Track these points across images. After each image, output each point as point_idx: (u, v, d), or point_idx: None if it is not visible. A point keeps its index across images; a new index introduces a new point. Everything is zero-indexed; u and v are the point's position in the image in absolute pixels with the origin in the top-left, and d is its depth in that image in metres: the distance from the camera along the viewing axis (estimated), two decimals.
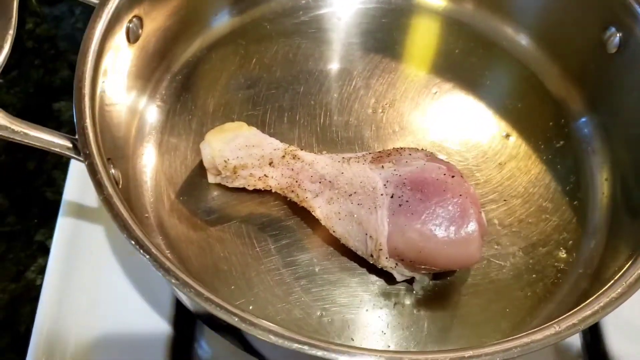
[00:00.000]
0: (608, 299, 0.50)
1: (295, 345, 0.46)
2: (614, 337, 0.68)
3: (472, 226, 0.59)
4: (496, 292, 0.65)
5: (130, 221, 0.52)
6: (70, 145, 0.57)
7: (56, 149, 0.57)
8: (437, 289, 0.65)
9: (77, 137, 0.56)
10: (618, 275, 0.52)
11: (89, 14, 0.63)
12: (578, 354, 0.68)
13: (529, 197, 0.71)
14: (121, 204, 0.53)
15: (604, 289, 0.51)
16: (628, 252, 0.58)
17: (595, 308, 0.49)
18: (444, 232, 0.59)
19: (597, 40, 0.72)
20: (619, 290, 0.50)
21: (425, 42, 0.83)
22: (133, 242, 0.50)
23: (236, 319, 0.47)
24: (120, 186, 0.61)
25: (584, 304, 0.50)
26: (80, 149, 0.55)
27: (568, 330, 0.48)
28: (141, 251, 0.50)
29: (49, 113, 0.85)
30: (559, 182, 0.72)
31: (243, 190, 0.68)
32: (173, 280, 0.49)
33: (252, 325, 0.47)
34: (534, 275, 0.66)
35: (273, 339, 0.47)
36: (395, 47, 0.82)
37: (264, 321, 0.47)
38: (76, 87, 0.58)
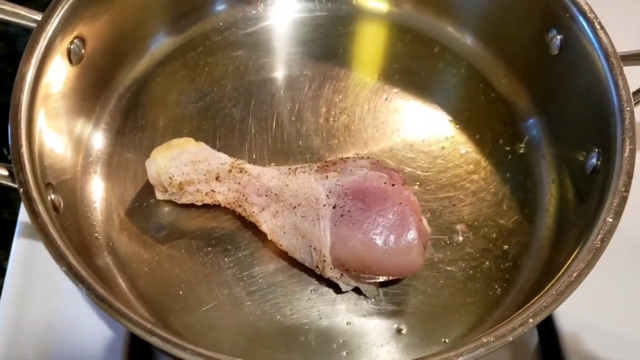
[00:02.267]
0: (537, 309, 0.50)
1: None
2: (569, 334, 0.68)
3: (411, 234, 0.59)
4: (446, 298, 0.65)
5: (63, 248, 0.52)
6: (6, 173, 0.57)
7: None
8: (387, 298, 0.65)
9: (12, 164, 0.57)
10: (549, 285, 0.53)
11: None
12: (534, 352, 0.69)
13: (478, 201, 0.71)
14: (56, 232, 0.53)
15: (534, 299, 0.52)
16: (568, 251, 0.58)
17: (524, 318, 0.50)
18: (384, 241, 0.59)
19: (540, 41, 0.72)
20: (548, 300, 0.51)
21: (372, 47, 0.83)
22: (64, 269, 0.51)
23: (169, 346, 0.48)
24: (60, 211, 0.61)
25: (513, 315, 0.50)
26: (15, 177, 0.55)
27: (498, 340, 0.49)
28: (73, 278, 0.50)
29: (5, 133, 0.84)
30: (507, 184, 0.72)
31: (193, 205, 0.68)
32: (106, 309, 0.49)
33: (183, 350, 0.47)
34: (483, 281, 0.66)
35: None
36: (343, 54, 0.82)
37: (192, 345, 0.48)
38: (12, 115, 0.58)
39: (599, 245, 0.54)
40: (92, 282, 0.50)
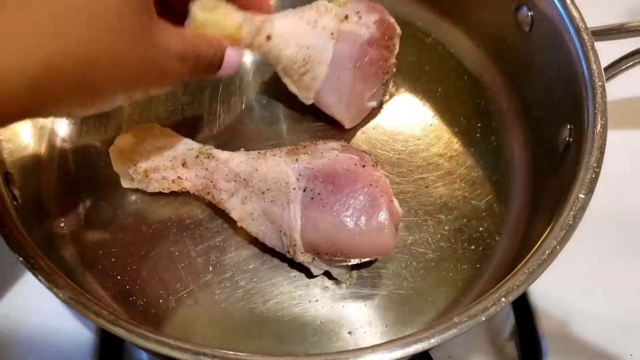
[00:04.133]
0: (509, 287, 0.50)
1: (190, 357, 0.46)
2: (544, 314, 0.68)
3: (382, 215, 0.58)
4: (420, 280, 0.65)
5: (21, 240, 0.50)
6: None
7: None
8: (360, 281, 0.64)
9: None
10: (522, 263, 0.52)
11: None
12: (510, 331, 0.69)
13: (451, 184, 0.70)
14: (14, 223, 0.52)
15: (506, 278, 0.51)
16: (540, 229, 0.57)
17: (497, 296, 0.49)
18: (355, 222, 0.58)
19: (511, 19, 0.71)
20: (521, 278, 0.50)
21: None
22: (22, 260, 0.49)
23: (121, 331, 0.47)
24: (19, 201, 0.59)
25: (485, 295, 0.50)
26: None
27: (471, 320, 0.48)
28: (34, 272, 0.49)
29: None
30: (480, 164, 0.72)
31: (162, 193, 0.67)
32: (70, 302, 0.48)
33: (145, 339, 0.46)
34: (456, 262, 0.66)
35: (168, 351, 0.46)
36: None
37: (158, 334, 0.47)
38: None
39: (571, 222, 0.53)
40: (53, 274, 0.49)
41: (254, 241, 0.65)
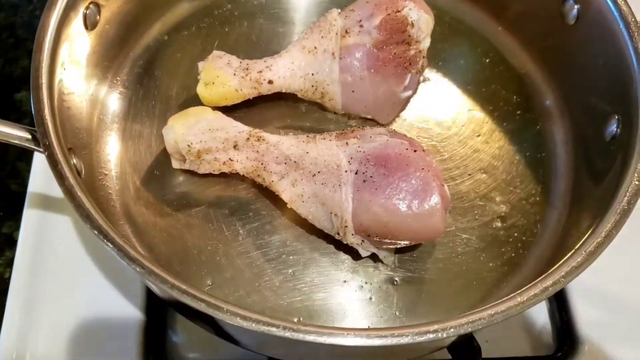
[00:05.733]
0: (569, 268, 0.51)
1: (264, 328, 0.47)
2: (579, 304, 0.69)
3: (434, 199, 0.59)
4: (463, 265, 0.66)
5: (92, 211, 0.51)
6: (29, 136, 0.57)
7: (15, 141, 0.56)
8: (405, 265, 0.65)
9: (36, 128, 0.56)
10: (578, 245, 0.53)
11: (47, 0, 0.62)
12: (545, 321, 0.70)
13: (493, 171, 0.71)
14: (83, 194, 0.52)
15: (564, 258, 0.52)
16: (589, 220, 0.59)
17: (556, 277, 0.50)
18: (407, 205, 0.59)
19: (556, 12, 0.72)
20: (579, 260, 0.51)
21: None
22: (96, 232, 0.50)
23: (202, 305, 0.48)
24: (82, 176, 0.60)
25: (545, 274, 0.51)
26: (40, 140, 0.55)
27: (530, 300, 0.49)
28: (105, 240, 0.50)
29: (10, 104, 0.83)
30: (522, 154, 0.73)
31: (209, 174, 0.67)
32: (138, 269, 0.49)
33: (218, 310, 0.47)
34: (500, 248, 0.67)
35: (240, 322, 0.47)
36: None
37: (230, 305, 0.48)
38: (33, 77, 0.58)
39: (626, 207, 0.54)
40: (123, 244, 0.50)
41: (301, 222, 0.66)
